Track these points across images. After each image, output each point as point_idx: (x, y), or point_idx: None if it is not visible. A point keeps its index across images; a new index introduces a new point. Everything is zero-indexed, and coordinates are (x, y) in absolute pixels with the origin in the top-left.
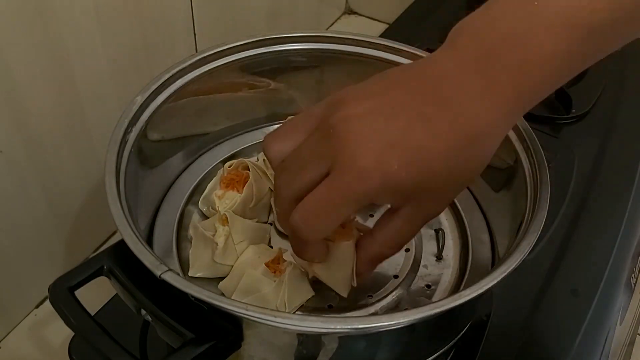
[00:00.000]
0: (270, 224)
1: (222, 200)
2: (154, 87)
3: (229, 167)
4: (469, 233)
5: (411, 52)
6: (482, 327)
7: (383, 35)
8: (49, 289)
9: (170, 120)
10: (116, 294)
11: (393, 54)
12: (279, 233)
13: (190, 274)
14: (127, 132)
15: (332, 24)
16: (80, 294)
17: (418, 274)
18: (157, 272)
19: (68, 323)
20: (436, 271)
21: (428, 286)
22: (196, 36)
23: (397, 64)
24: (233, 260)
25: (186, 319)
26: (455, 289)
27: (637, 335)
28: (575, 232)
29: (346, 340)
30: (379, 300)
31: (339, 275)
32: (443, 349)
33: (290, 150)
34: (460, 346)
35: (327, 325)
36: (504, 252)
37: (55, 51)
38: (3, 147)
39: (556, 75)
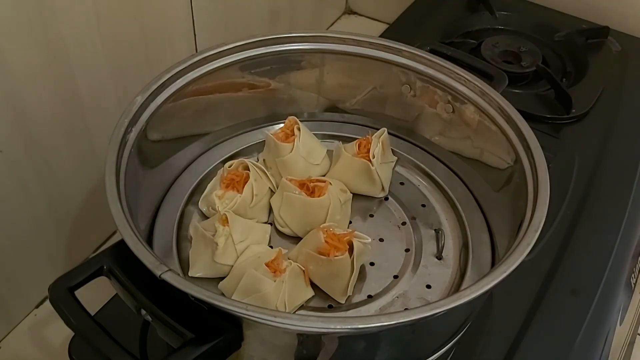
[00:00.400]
0: (270, 224)
1: (222, 200)
2: (154, 87)
3: (229, 167)
4: (469, 233)
5: (411, 52)
6: (482, 327)
7: (383, 35)
8: (49, 289)
9: (170, 120)
10: (116, 294)
11: (393, 54)
12: (279, 233)
13: (190, 274)
14: (127, 132)
15: (332, 24)
16: (80, 294)
17: (418, 274)
18: (157, 272)
19: (68, 323)
20: (436, 271)
21: (428, 286)
22: (196, 36)
23: (397, 64)
24: (233, 260)
25: (186, 319)
26: (455, 289)
27: (637, 335)
28: (575, 232)
29: (346, 340)
30: (379, 300)
31: (335, 285)
32: (443, 349)
33: None
34: (460, 346)
35: (327, 325)
36: (504, 252)
37: (55, 51)
38: (3, 147)
39: None
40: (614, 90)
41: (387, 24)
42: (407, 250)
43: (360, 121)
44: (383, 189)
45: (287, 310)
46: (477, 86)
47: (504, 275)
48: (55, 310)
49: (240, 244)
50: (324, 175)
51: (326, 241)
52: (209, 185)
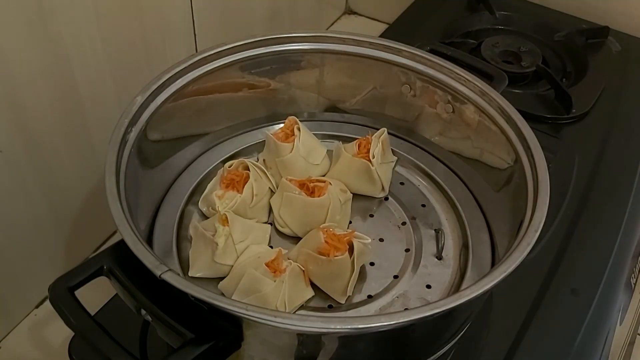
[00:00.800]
0: (270, 224)
1: (222, 200)
2: (154, 87)
3: (229, 167)
4: (469, 233)
5: (411, 52)
6: (482, 327)
7: (383, 35)
8: (49, 289)
9: (170, 120)
10: (116, 294)
11: (393, 54)
12: (279, 233)
13: (190, 274)
14: (127, 132)
15: (332, 24)
16: (80, 294)
17: (418, 274)
18: (157, 272)
19: (68, 323)
20: (436, 271)
21: (428, 286)
22: (196, 36)
23: (397, 64)
24: (233, 260)
25: (186, 319)
26: (455, 289)
27: (637, 335)
28: (575, 232)
29: (346, 340)
30: (379, 300)
31: (335, 285)
32: (443, 349)
33: None
34: (460, 346)
35: (327, 325)
36: (504, 252)
37: (55, 51)
38: (3, 147)
39: None
40: (614, 90)
41: (387, 24)
42: (407, 250)
43: (360, 121)
44: (383, 189)
45: (287, 310)
46: (477, 86)
47: (504, 275)
48: (55, 310)
49: (240, 244)
50: (324, 175)
51: (326, 241)
52: (209, 185)
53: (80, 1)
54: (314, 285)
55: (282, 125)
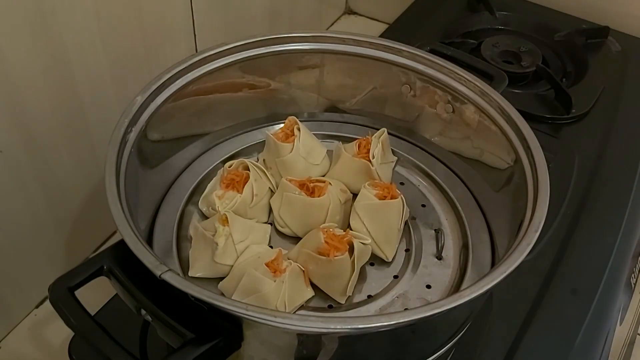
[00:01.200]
0: (270, 224)
1: (222, 200)
2: (154, 87)
3: (229, 167)
4: (469, 233)
5: (411, 52)
6: (482, 327)
7: (383, 35)
8: (49, 289)
9: (170, 120)
10: (116, 294)
11: (393, 54)
12: (279, 233)
13: (190, 274)
14: (127, 132)
15: (332, 24)
16: (80, 294)
17: (418, 274)
18: (157, 272)
19: (68, 323)
20: (436, 271)
21: (428, 286)
22: (196, 36)
23: (397, 64)
24: (233, 260)
25: (186, 319)
26: (455, 289)
27: (637, 335)
28: (575, 232)
29: (346, 340)
30: (379, 300)
31: (335, 285)
32: (443, 349)
33: None
34: (460, 346)
35: (327, 325)
36: (504, 252)
37: (55, 51)
38: (3, 147)
39: None
40: (614, 90)
41: (387, 24)
42: (407, 250)
43: (360, 121)
44: None
45: (287, 310)
46: (477, 86)
47: (504, 275)
48: (55, 310)
49: (240, 244)
50: (324, 175)
51: (326, 241)
52: (209, 185)
53: (80, 2)
54: (314, 285)
55: (282, 125)
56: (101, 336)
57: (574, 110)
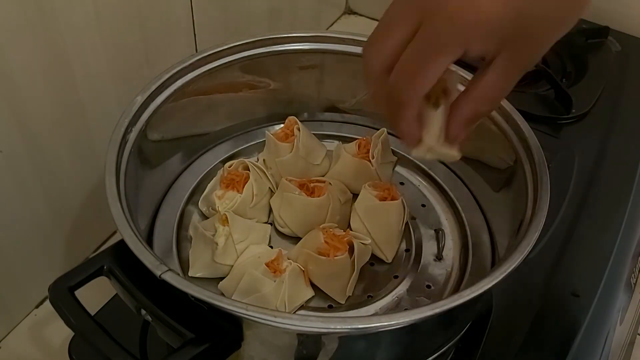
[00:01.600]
0: (270, 223)
1: (222, 200)
2: (154, 87)
3: (229, 167)
4: (469, 233)
5: None
6: (482, 327)
7: None
8: (49, 289)
9: (170, 120)
10: (116, 294)
11: None
12: (279, 233)
13: (190, 274)
14: (127, 132)
15: (332, 24)
16: (80, 294)
17: (418, 274)
18: (157, 272)
19: (68, 323)
20: (436, 271)
21: (428, 286)
22: (196, 36)
23: None
24: (233, 260)
25: (186, 319)
26: (455, 289)
27: (637, 335)
28: (575, 232)
29: (346, 340)
30: (379, 300)
31: (335, 285)
32: (443, 349)
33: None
34: (460, 346)
35: (327, 325)
36: (504, 252)
37: (55, 51)
38: (3, 147)
39: None
40: (614, 90)
41: None
42: (407, 250)
43: (360, 121)
44: None
45: (287, 310)
46: None
47: (504, 275)
48: (55, 310)
49: (240, 244)
50: (323, 176)
51: (326, 241)
52: (209, 185)
53: (80, 2)
54: (314, 285)
55: (282, 125)
56: (101, 336)
57: (574, 110)
